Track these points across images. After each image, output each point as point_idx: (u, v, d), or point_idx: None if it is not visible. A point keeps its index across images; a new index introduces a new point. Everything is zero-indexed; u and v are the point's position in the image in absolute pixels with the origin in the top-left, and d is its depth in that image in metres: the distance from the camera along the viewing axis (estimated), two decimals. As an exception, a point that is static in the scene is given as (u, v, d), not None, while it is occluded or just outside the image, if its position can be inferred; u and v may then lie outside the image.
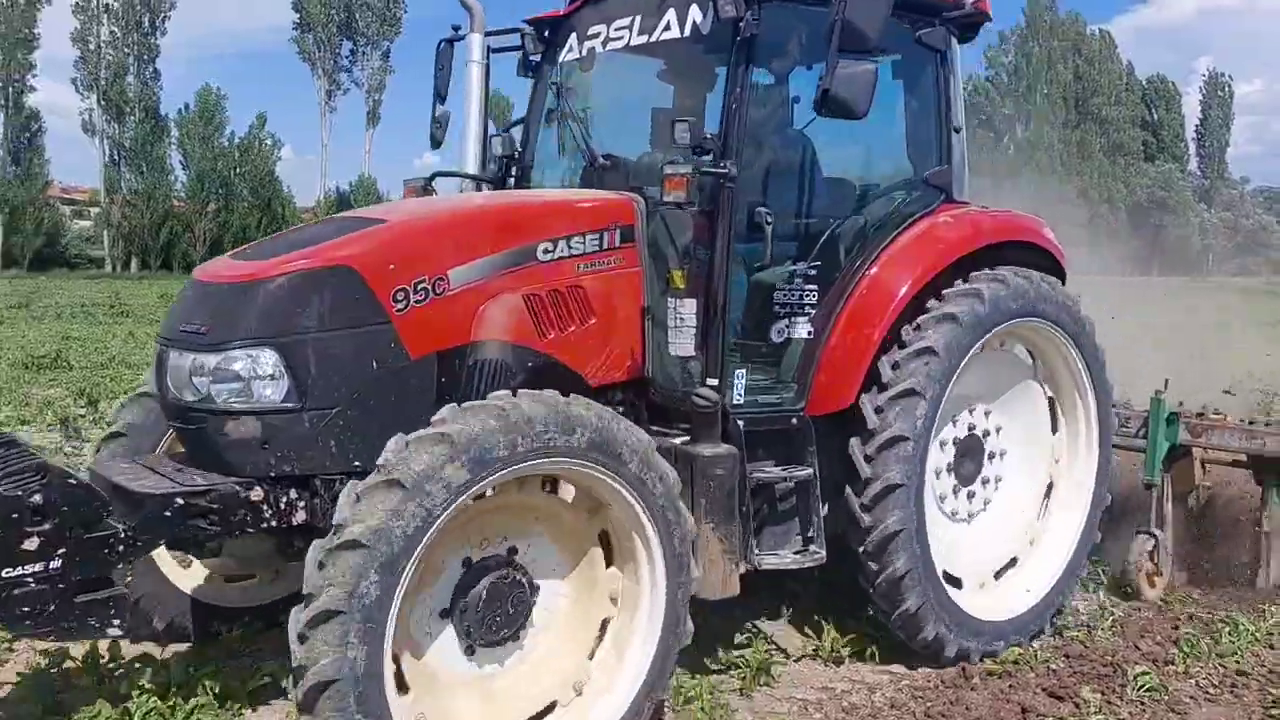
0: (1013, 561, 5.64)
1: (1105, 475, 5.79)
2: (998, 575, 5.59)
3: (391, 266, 3.95)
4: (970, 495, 5.44)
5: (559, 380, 4.09)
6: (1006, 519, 5.60)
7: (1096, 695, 4.73)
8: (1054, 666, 5.15)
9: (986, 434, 5.46)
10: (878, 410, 4.84)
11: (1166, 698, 4.78)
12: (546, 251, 4.37)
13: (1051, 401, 5.72)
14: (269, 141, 68.24)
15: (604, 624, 4.07)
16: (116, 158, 63.32)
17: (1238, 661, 5.17)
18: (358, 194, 65.98)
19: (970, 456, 5.40)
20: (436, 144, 5.80)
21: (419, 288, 3.99)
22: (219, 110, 66.13)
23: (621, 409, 4.49)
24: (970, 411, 5.39)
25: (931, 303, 5.05)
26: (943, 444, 5.25)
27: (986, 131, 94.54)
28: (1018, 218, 5.68)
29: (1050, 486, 5.77)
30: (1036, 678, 5.02)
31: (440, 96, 5.74)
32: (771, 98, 5.10)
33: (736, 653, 5.05)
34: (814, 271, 5.00)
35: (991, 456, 5.49)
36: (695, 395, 4.43)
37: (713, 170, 4.48)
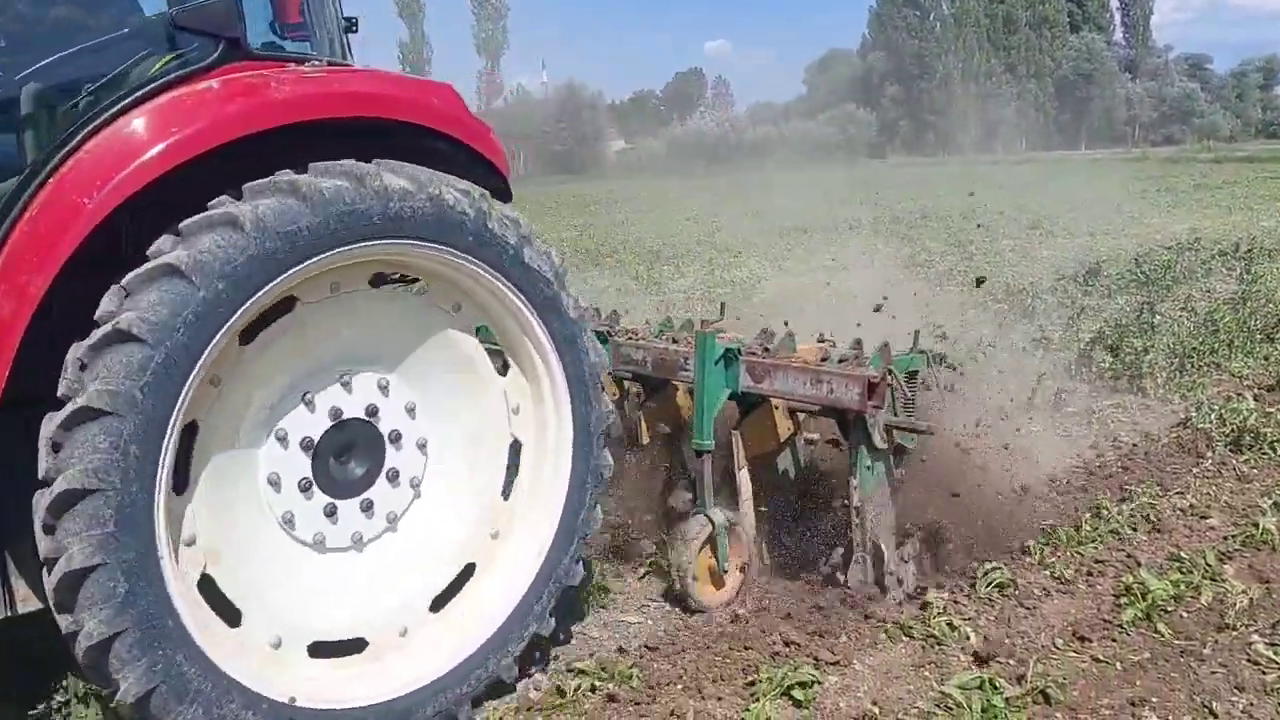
0: (469, 572, 3.88)
1: (591, 437, 3.94)
2: (439, 605, 3.80)
3: None
4: (368, 507, 3.59)
5: None
6: (449, 516, 3.83)
7: (943, 595, 4.52)
8: (907, 568, 4.93)
9: (375, 412, 3.58)
10: (55, 445, 2.92)
11: (1017, 592, 4.59)
12: None
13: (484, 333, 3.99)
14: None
15: None
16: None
17: (1096, 549, 4.98)
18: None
19: (355, 453, 3.56)
20: None
21: None
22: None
23: None
24: (343, 384, 3.50)
25: (160, 242, 3.09)
26: (284, 446, 3.40)
27: (912, 9, 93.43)
28: (376, 81, 3.67)
29: (517, 447, 3.98)
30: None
31: None
32: None
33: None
34: None
35: (396, 439, 3.64)
36: None
37: None
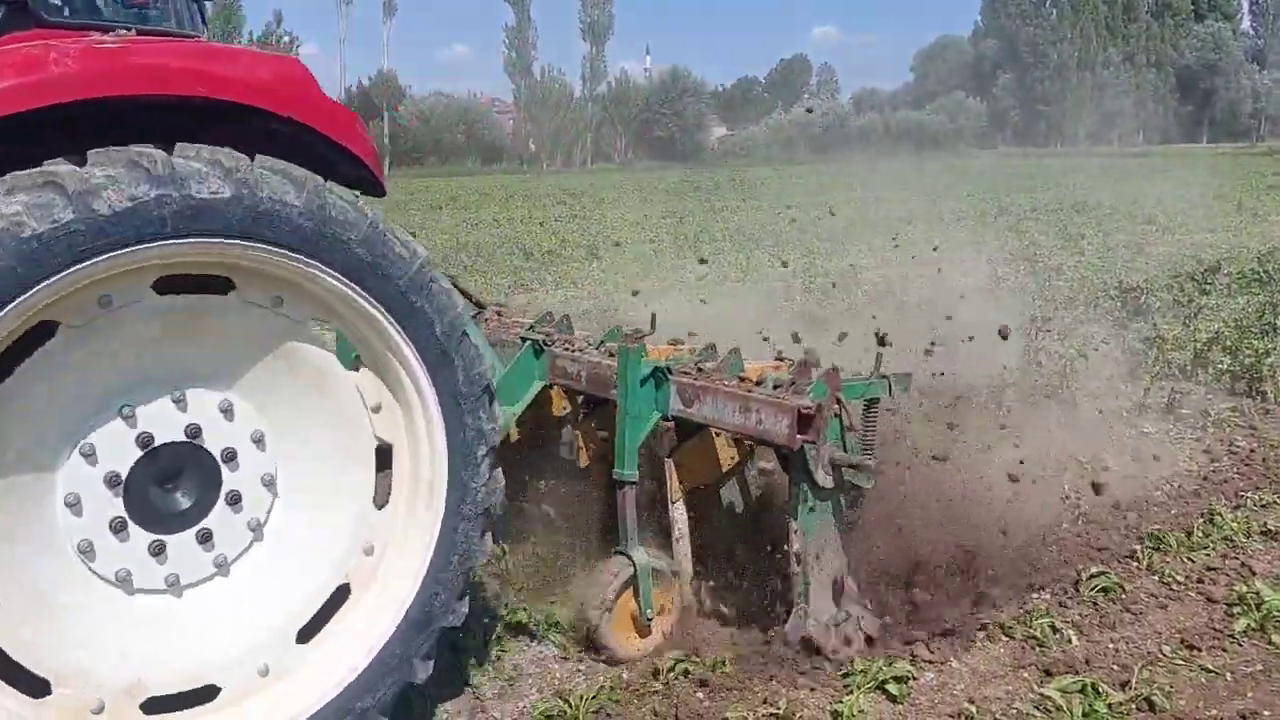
0: (342, 594, 3.33)
1: (469, 444, 3.33)
2: (308, 633, 3.25)
3: None
4: (205, 538, 3.03)
5: None
6: (316, 536, 3.27)
7: (1046, 597, 4.43)
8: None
9: (199, 432, 2.98)
10: None
11: (1124, 597, 4.46)
12: None
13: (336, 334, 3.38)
14: (286, 39, 67.30)
15: None
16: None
17: (1208, 556, 4.82)
18: (377, 88, 65.10)
19: (182, 481, 3.00)
20: None
21: None
22: (234, 10, 65.11)
23: None
24: (174, 404, 2.94)
25: None
26: (72, 504, 2.80)
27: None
28: (189, 55, 3.10)
29: (388, 452, 3.39)
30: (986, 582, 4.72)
31: None
32: None
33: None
34: None
35: (231, 459, 3.05)
36: None
37: None
